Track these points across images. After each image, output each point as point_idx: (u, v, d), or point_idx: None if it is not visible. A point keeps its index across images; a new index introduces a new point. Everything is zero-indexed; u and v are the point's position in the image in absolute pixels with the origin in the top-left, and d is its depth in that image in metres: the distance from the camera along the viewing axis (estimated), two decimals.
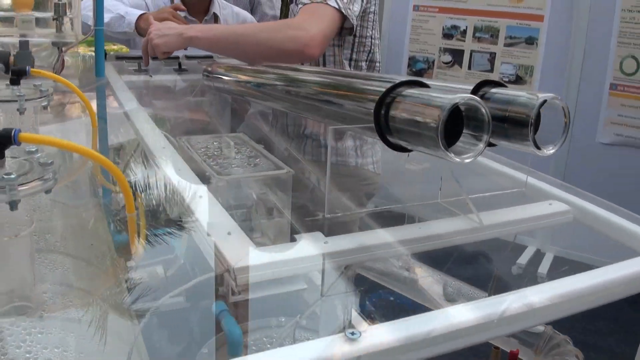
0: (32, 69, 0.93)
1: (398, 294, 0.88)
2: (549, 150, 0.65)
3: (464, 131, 0.61)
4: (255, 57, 1.29)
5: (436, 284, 0.86)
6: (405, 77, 0.67)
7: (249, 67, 1.13)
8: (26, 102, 0.88)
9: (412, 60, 4.26)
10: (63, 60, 1.33)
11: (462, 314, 0.52)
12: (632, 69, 3.18)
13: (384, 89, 0.66)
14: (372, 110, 0.65)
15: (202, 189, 0.73)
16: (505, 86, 0.73)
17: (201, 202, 0.69)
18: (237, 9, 2.09)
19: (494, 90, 0.70)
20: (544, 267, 2.77)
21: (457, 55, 4.03)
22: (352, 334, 0.46)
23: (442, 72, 4.06)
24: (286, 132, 1.42)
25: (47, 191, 0.59)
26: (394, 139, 0.66)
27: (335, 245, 0.60)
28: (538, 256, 3.08)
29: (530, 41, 3.70)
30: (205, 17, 1.95)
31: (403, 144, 0.64)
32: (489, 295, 0.87)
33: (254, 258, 0.56)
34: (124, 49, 1.83)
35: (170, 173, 0.78)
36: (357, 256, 0.61)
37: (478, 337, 0.54)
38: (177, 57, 1.60)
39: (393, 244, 0.63)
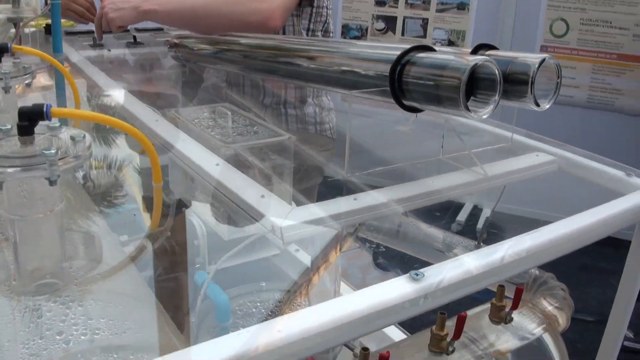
0: (14, 46, 0.89)
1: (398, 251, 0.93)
2: (545, 105, 0.71)
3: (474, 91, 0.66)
4: (215, 30, 1.28)
5: (433, 238, 0.92)
6: (406, 45, 0.70)
7: (229, 38, 1.13)
8: (11, 80, 0.86)
9: (346, 29, 4.29)
10: (20, 37, 1.28)
11: (482, 258, 0.56)
12: (562, 31, 3.35)
13: (393, 55, 0.69)
14: (387, 74, 0.68)
15: (216, 158, 0.75)
16: (497, 48, 0.78)
17: (222, 170, 0.71)
18: None
19: (492, 52, 0.75)
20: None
21: (390, 22, 4.10)
22: (417, 275, 0.50)
23: (376, 39, 4.12)
24: (262, 101, 1.44)
25: (81, 166, 0.59)
26: (407, 101, 0.69)
27: (362, 202, 0.64)
28: (477, 212, 3.23)
29: (462, 6, 3.81)
30: None
31: (418, 105, 0.68)
32: (479, 243, 0.94)
33: (296, 216, 0.59)
34: (71, 24, 1.75)
35: (178, 145, 0.78)
36: (381, 211, 0.65)
37: (491, 280, 0.60)
38: (128, 31, 1.57)
39: (410, 198, 0.68)
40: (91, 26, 1.69)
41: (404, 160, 0.81)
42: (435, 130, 0.92)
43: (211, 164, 0.73)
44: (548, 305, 0.81)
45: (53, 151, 0.54)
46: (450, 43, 3.91)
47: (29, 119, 0.56)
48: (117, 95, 1.05)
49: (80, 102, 0.97)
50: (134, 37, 1.56)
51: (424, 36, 3.96)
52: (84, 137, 0.58)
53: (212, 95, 1.40)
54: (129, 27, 1.55)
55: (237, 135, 0.87)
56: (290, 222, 0.58)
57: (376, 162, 0.76)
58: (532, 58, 0.70)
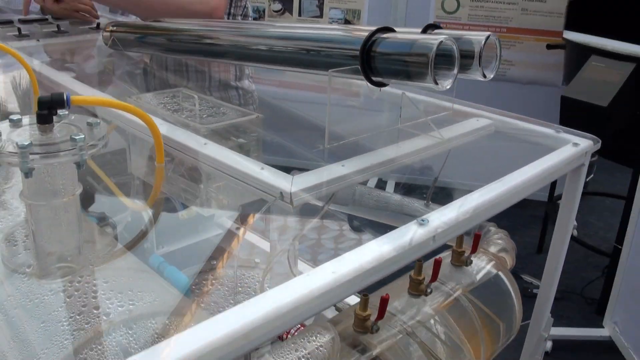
0: None
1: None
2: (490, 75, 0.83)
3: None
4: (159, 14, 1.31)
5: (389, 201, 1.02)
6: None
7: (177, 25, 1.16)
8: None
9: None
10: None
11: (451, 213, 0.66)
12: (453, 8, 3.58)
13: (359, 35, 0.78)
14: (357, 53, 0.77)
15: (202, 139, 0.80)
16: (442, 28, 0.89)
17: (211, 148, 0.77)
18: None
19: (439, 31, 0.85)
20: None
21: (286, 3, 4.17)
22: (422, 220, 0.59)
23: (274, 21, 4.18)
24: (208, 84, 1.49)
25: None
26: (376, 77, 0.79)
27: (351, 167, 0.73)
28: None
29: None
30: None
31: (387, 80, 0.78)
32: (428, 202, 1.05)
33: (301, 183, 0.66)
34: None
35: (161, 129, 0.82)
36: (366, 174, 0.74)
37: (460, 230, 0.71)
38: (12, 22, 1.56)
39: (393, 160, 0.78)
40: (8, 16, 1.64)
41: (368, 131, 0.90)
42: (382, 105, 1.03)
43: (199, 143, 0.78)
44: (496, 249, 0.94)
45: (82, 136, 0.58)
46: (347, 22, 4.05)
47: (49, 108, 0.59)
48: (71, 84, 1.05)
49: (38, 90, 0.97)
50: (58, 25, 1.54)
51: (321, 16, 4.07)
52: (100, 123, 0.62)
53: (160, 80, 1.42)
54: (12, 18, 1.55)
55: (209, 117, 0.92)
56: (296, 188, 0.65)
57: (345, 136, 0.85)
58: (478, 36, 0.81)
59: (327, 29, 0.89)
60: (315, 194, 0.66)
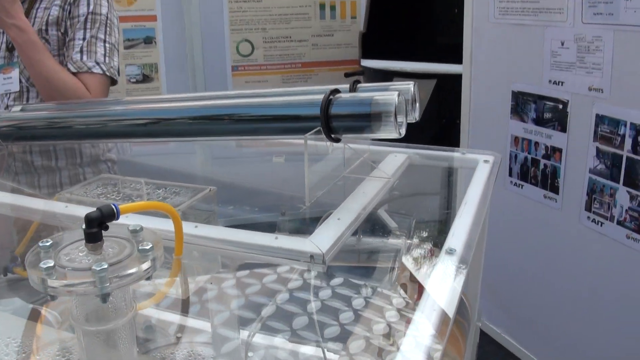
0: None
1: None
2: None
3: None
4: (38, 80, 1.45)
5: None
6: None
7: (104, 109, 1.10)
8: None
9: None
10: None
11: None
12: (248, 51, 3.76)
13: (316, 98, 0.87)
14: (317, 114, 0.85)
15: (191, 224, 0.80)
16: (360, 82, 1.01)
17: (208, 229, 0.78)
18: None
19: (362, 85, 0.97)
20: None
21: None
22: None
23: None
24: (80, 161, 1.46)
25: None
26: (335, 134, 0.87)
27: (345, 218, 0.80)
28: None
29: (149, 40, 3.93)
30: None
31: (349, 134, 0.87)
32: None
33: (326, 242, 0.72)
34: None
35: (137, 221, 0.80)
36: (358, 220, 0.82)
37: None
38: None
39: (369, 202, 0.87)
40: None
41: (316, 184, 0.98)
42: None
43: (190, 227, 0.79)
44: None
45: (150, 246, 0.57)
46: (145, 77, 4.00)
47: (99, 224, 0.57)
48: None
49: None
50: None
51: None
52: (141, 227, 0.61)
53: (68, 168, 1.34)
54: None
55: (166, 199, 0.92)
56: (324, 248, 0.71)
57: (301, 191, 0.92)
58: (405, 85, 0.95)
59: (274, 95, 0.95)
60: (339, 247, 0.72)
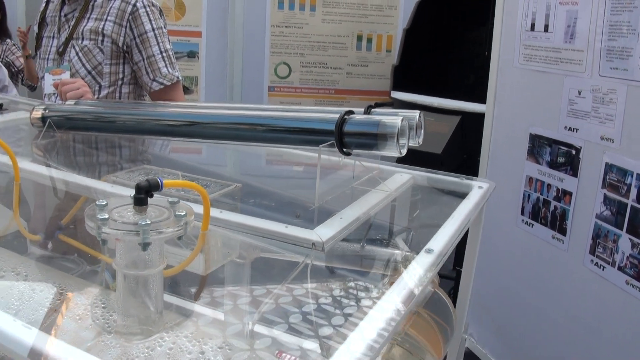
0: None
1: None
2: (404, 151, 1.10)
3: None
4: None
5: None
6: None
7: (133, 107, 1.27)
8: None
9: None
10: None
11: None
12: (285, 73, 3.96)
13: (331, 116, 1.01)
14: (332, 130, 1.00)
15: (216, 209, 0.95)
16: (374, 107, 1.15)
17: (230, 215, 0.92)
18: None
19: (378, 110, 1.12)
20: None
21: None
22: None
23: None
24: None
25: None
26: (346, 149, 1.02)
27: (347, 217, 0.94)
28: None
29: (192, 55, 4.15)
30: None
31: (358, 150, 1.02)
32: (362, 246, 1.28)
33: (327, 234, 0.86)
34: None
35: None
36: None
37: None
38: None
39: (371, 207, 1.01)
40: None
41: (329, 192, 1.12)
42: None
43: (216, 212, 0.93)
44: None
45: (185, 213, 0.72)
46: (185, 89, 4.22)
47: (146, 192, 0.72)
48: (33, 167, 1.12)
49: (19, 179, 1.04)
50: (1, 104, 1.58)
51: None
52: (179, 201, 0.76)
53: (112, 158, 1.51)
54: None
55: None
56: (325, 237, 0.85)
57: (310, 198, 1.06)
58: (411, 113, 1.09)
59: (297, 111, 1.11)
60: (337, 240, 0.86)
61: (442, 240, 0.88)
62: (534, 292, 2.52)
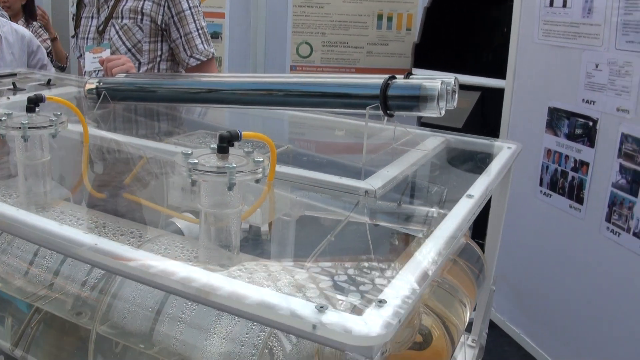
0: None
1: None
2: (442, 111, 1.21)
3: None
4: None
5: None
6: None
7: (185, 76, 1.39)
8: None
9: None
10: None
11: None
12: (307, 53, 4.05)
13: (375, 81, 1.12)
14: (377, 94, 1.11)
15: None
16: (413, 74, 1.26)
17: (288, 168, 1.04)
18: (15, 25, 2.10)
19: (415, 75, 1.22)
20: None
21: None
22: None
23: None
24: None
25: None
26: (390, 111, 1.13)
27: (392, 171, 1.06)
28: None
29: (215, 35, 4.25)
30: None
31: (400, 112, 1.12)
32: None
33: (378, 183, 0.97)
34: None
35: None
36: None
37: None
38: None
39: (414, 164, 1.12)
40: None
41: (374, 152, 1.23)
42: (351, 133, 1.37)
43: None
44: None
45: (262, 159, 0.84)
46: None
47: (228, 141, 0.84)
48: (108, 134, 1.24)
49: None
50: (49, 80, 1.69)
51: None
52: (254, 152, 0.88)
53: (165, 125, 1.63)
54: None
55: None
56: (376, 186, 0.97)
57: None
58: (448, 77, 1.19)
59: (344, 78, 1.22)
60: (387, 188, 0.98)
61: (480, 187, 0.99)
62: (552, 261, 2.63)
